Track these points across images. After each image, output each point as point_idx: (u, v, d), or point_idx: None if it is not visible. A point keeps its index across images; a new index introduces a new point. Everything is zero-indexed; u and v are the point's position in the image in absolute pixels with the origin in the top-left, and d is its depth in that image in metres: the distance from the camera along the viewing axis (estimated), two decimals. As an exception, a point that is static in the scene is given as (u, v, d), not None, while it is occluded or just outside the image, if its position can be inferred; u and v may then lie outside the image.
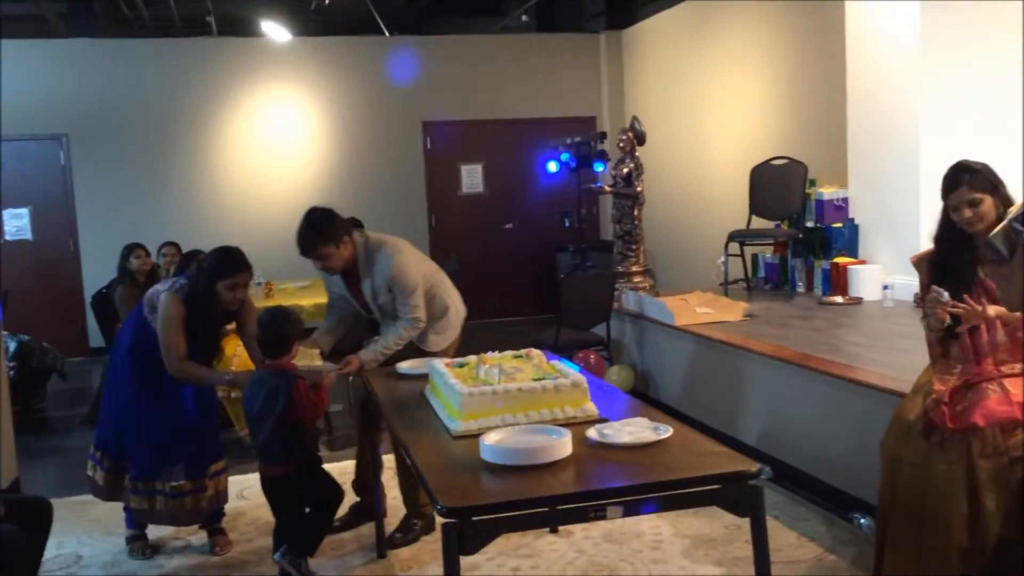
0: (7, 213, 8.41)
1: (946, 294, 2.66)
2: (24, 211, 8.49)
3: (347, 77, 9.12)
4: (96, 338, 7.32)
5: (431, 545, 3.61)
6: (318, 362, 3.42)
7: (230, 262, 3.47)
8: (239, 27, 9.35)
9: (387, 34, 9.53)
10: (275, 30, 9.05)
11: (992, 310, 2.65)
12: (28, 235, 8.53)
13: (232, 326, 3.76)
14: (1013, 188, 2.88)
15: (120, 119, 8.58)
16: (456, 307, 3.91)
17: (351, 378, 5.73)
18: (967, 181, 2.74)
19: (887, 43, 5.47)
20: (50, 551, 3.22)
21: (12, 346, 6.21)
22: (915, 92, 5.26)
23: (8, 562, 2.69)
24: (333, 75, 9.09)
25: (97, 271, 7.82)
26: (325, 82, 9.08)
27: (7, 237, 8.42)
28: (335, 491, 3.27)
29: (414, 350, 3.69)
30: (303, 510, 3.23)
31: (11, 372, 5.91)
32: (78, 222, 8.60)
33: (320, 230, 3.48)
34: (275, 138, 8.91)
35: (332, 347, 3.91)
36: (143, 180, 8.66)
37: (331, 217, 3.55)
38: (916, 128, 5.25)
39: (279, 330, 3.16)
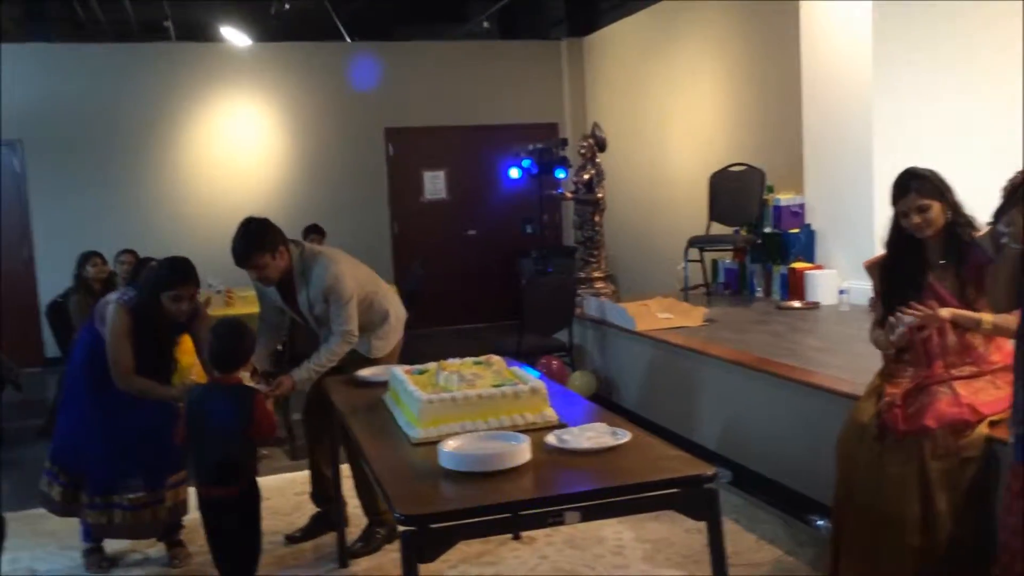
0: (-41, 221, 8.23)
1: (905, 319, 2.72)
2: (-24, 219, 8.32)
3: (308, 83, 9.08)
4: (52, 348, 7.18)
5: (393, 554, 3.59)
6: (246, 382, 3.35)
7: (173, 273, 3.41)
8: (198, 32, 9.25)
9: (348, 40, 9.49)
10: (235, 35, 8.97)
11: (945, 312, 2.72)
12: (-19, 243, 8.35)
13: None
14: (964, 191, 2.95)
15: (76, 125, 8.44)
16: (396, 311, 3.84)
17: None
18: (915, 188, 2.81)
19: (841, 50, 5.57)
20: (4, 567, 3.16)
21: (-36, 357, 6.06)
22: (868, 99, 5.36)
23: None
24: (294, 81, 9.04)
25: (52, 280, 7.67)
26: (286, 88, 9.02)
27: (-41, 245, 8.24)
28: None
29: (359, 358, 3.65)
30: (240, 537, 3.07)
31: (-37, 383, 5.78)
32: (33, 229, 8.45)
33: (255, 240, 3.39)
34: (235, 144, 8.83)
35: (273, 359, 3.84)
36: (100, 187, 8.53)
37: (266, 227, 3.45)
38: (869, 134, 5.35)
39: (235, 343, 3.07)
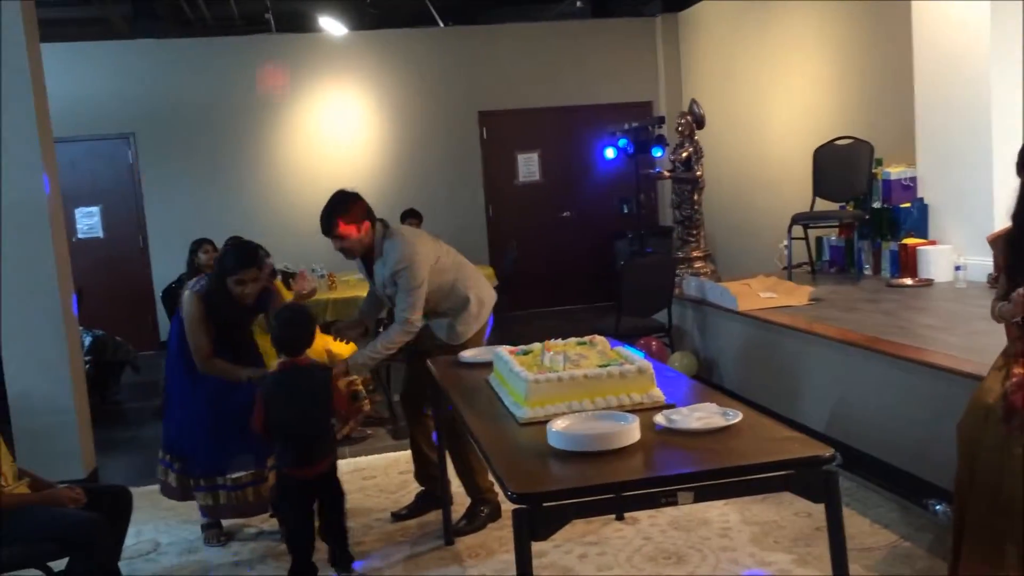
0: (79, 212, 8.67)
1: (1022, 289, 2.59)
2: (95, 209, 8.76)
3: (403, 69, 9.18)
4: (166, 332, 7.50)
5: (497, 532, 3.63)
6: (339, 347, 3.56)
7: (235, 258, 3.50)
8: (297, 23, 9.46)
9: (442, 25, 9.55)
10: (332, 25, 9.14)
11: None
12: (99, 232, 8.79)
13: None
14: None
15: (184, 117, 8.78)
16: (479, 296, 3.78)
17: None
18: None
19: (956, 15, 5.29)
20: (130, 538, 3.32)
21: (87, 341, 6.41)
22: (986, 67, 5.08)
23: (94, 548, 2.78)
24: (389, 68, 9.16)
25: (166, 266, 8.03)
26: (381, 75, 9.15)
27: (79, 235, 8.69)
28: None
29: (440, 343, 3.70)
30: (337, 510, 3.21)
31: (87, 366, 6.11)
32: (146, 219, 8.84)
33: (339, 210, 3.47)
34: (334, 132, 9.02)
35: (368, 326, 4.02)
36: (208, 176, 8.85)
37: (353, 199, 3.51)
38: (988, 103, 5.07)
39: (296, 330, 3.15)
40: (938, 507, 3.36)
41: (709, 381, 5.46)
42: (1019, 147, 2.77)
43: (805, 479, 2.08)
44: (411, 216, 7.25)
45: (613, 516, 3.59)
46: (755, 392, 5.05)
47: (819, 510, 2.14)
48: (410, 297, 3.47)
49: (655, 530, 3.52)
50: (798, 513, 3.53)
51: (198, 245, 5.79)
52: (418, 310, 3.51)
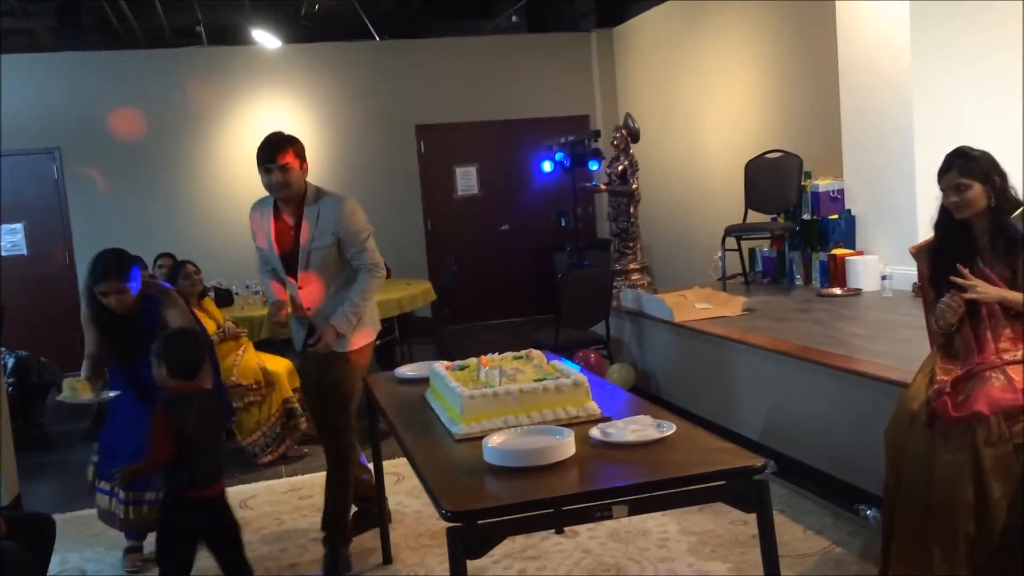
0: (2, 229, 8.38)
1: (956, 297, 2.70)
2: (19, 226, 8.47)
3: (339, 83, 9.11)
4: (94, 351, 7.28)
5: (438, 549, 3.59)
6: (86, 395, 3.35)
7: (92, 270, 3.38)
8: (229, 36, 9.33)
9: (377, 39, 9.51)
10: (265, 38, 9.04)
11: (993, 291, 2.67)
12: (23, 250, 8.50)
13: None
14: (1013, 171, 2.88)
15: (112, 131, 8.55)
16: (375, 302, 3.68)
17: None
18: (958, 166, 2.76)
19: (879, 30, 5.46)
20: (54, 567, 3.20)
21: (10, 362, 6.19)
22: (908, 81, 5.25)
23: (12, 579, 2.67)
24: (324, 81, 9.08)
25: (93, 284, 7.79)
26: (317, 88, 9.06)
27: (3, 253, 8.39)
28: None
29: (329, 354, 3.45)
30: (234, 529, 3.06)
31: (10, 388, 5.89)
32: (73, 235, 8.58)
33: (294, 140, 3.44)
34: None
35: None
36: (138, 191, 8.64)
37: (297, 139, 3.47)
38: (910, 117, 5.25)
39: (184, 352, 3.00)
40: (868, 512, 3.43)
41: (647, 392, 5.50)
42: (941, 160, 2.85)
43: (737, 489, 2.10)
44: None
45: (553, 530, 3.58)
46: (692, 402, 5.12)
47: (755, 518, 2.16)
48: (367, 243, 3.43)
49: (594, 543, 3.53)
50: (734, 522, 3.57)
51: (156, 259, 5.76)
52: (378, 254, 3.47)
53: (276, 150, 3.36)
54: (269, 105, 8.93)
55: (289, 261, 3.43)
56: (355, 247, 3.41)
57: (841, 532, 3.45)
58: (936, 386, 2.69)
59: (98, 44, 9.12)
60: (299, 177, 3.38)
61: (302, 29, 9.54)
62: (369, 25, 9.32)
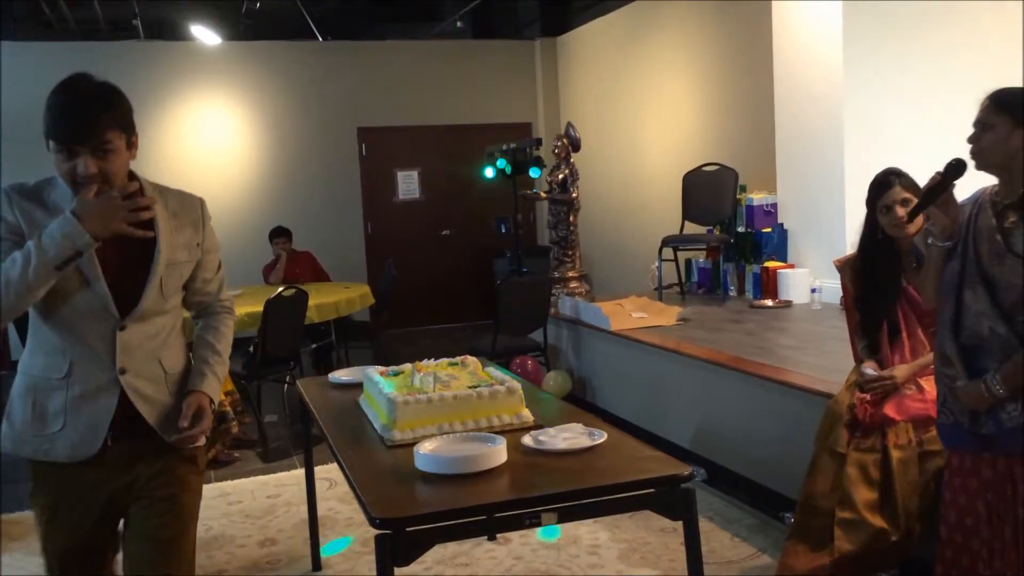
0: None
1: (868, 371, 2.84)
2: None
3: (280, 82, 9.00)
4: (18, 350, 7.06)
5: (368, 557, 3.57)
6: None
7: None
8: (167, 31, 9.14)
9: (320, 39, 9.43)
10: (204, 34, 8.88)
11: (900, 372, 2.80)
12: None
13: None
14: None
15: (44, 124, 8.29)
16: None
17: (285, 387, 5.69)
18: (899, 182, 2.82)
19: (812, 50, 5.61)
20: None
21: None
22: (839, 98, 5.41)
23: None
24: (265, 80, 8.96)
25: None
26: (257, 87, 8.94)
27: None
28: None
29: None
30: None
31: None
32: None
33: (113, 100, 2.03)
34: (205, 144, 8.73)
35: None
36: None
37: (124, 96, 2.08)
38: (840, 134, 5.40)
39: None
40: (791, 519, 3.51)
41: (583, 399, 5.56)
42: (871, 178, 2.92)
43: (664, 497, 2.14)
44: (280, 235, 7.09)
45: (484, 537, 3.59)
46: (627, 410, 5.18)
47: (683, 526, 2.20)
48: (221, 272, 2.30)
49: (526, 550, 3.54)
50: (664, 529, 3.62)
51: None
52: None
53: (89, 120, 1.96)
54: (207, 103, 8.77)
55: (122, 296, 2.02)
56: (211, 272, 2.24)
57: (766, 539, 3.53)
58: (858, 394, 2.81)
59: (30, 34, 8.84)
60: (123, 164, 2.03)
61: (243, 26, 9.38)
62: (312, 25, 9.23)
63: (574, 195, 6.73)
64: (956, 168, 2.20)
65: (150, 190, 2.10)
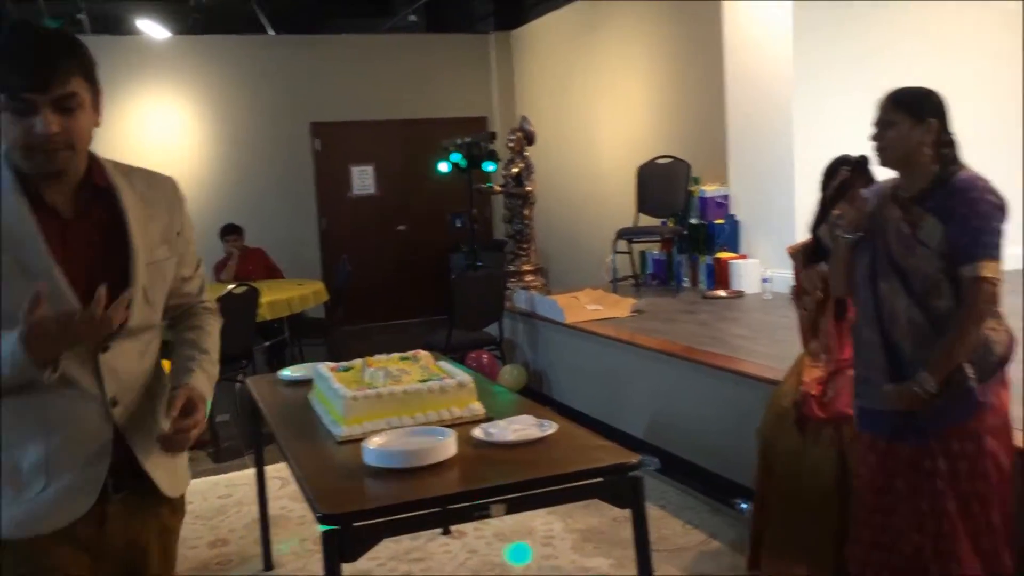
0: None
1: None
2: None
3: (231, 77, 8.87)
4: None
5: (320, 555, 3.53)
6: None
7: None
8: (113, 25, 8.95)
9: (272, 33, 9.31)
10: (152, 28, 8.71)
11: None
12: None
13: None
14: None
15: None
16: None
17: (238, 385, 5.62)
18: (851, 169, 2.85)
19: (762, 43, 5.68)
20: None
21: None
22: (788, 91, 5.48)
23: None
24: (216, 76, 8.82)
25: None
26: (207, 83, 8.80)
27: None
28: None
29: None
30: None
31: None
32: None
33: (76, 48, 1.62)
34: (153, 141, 8.57)
35: None
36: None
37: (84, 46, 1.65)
38: (790, 126, 5.47)
39: None
40: (743, 506, 3.56)
41: (539, 392, 5.57)
42: (819, 170, 2.96)
43: (613, 486, 2.15)
44: (231, 233, 7.00)
45: (439, 531, 3.58)
46: (583, 402, 5.20)
47: (631, 514, 2.21)
48: (202, 268, 1.90)
49: (480, 542, 3.54)
50: (617, 519, 3.64)
51: None
52: None
53: (51, 64, 1.54)
54: (156, 99, 8.61)
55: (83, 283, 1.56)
56: (190, 268, 1.83)
57: (718, 526, 3.57)
58: (802, 388, 2.82)
59: (-31, 28, 8.60)
60: (88, 124, 1.63)
61: (192, 20, 9.23)
62: (263, 19, 9.11)
63: (529, 189, 6.73)
64: (861, 164, 2.30)
65: (112, 169, 1.70)
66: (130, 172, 1.75)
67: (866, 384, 2.34)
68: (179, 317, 1.86)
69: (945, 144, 2.25)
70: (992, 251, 2.14)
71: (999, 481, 2.22)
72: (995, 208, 2.16)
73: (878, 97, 2.40)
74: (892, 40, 5.49)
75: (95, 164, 1.68)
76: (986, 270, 2.12)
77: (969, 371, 2.17)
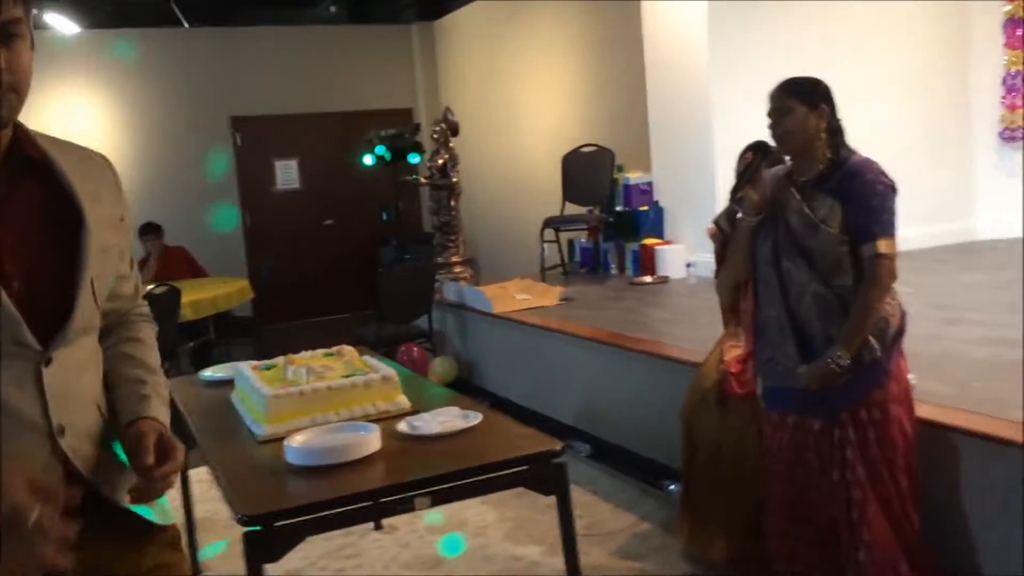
0: None
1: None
2: None
3: (146, 72, 8.63)
4: None
5: (251, 555, 3.48)
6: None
7: None
8: (19, 19, 8.60)
9: (186, 25, 9.07)
10: (61, 22, 8.40)
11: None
12: None
13: None
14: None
15: None
16: None
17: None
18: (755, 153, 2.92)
19: (680, 29, 5.76)
20: None
21: None
22: (706, 77, 5.57)
23: None
24: (130, 70, 8.57)
25: None
26: (121, 78, 8.54)
27: None
28: None
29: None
30: None
31: None
32: None
33: None
34: (67, 138, 8.28)
35: None
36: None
37: None
38: (708, 112, 5.57)
39: None
40: (672, 487, 3.62)
41: (470, 383, 5.57)
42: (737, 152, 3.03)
43: (538, 474, 2.16)
44: (149, 232, 6.82)
45: (371, 527, 3.55)
46: (514, 391, 5.21)
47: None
48: (136, 269, 1.59)
49: (413, 536, 3.53)
50: (550, 505, 3.57)
51: None
52: None
53: None
54: (67, 95, 8.32)
55: (38, 312, 1.27)
56: (127, 265, 1.51)
57: (648, 507, 3.62)
58: (723, 366, 2.89)
59: None
60: (30, 68, 1.35)
61: (103, 13, 8.93)
62: (176, 10, 8.86)
63: (455, 180, 6.70)
64: (762, 149, 2.39)
65: (43, 142, 1.41)
66: (62, 145, 1.43)
67: (771, 363, 2.41)
68: (113, 327, 1.49)
69: (835, 130, 2.35)
70: (889, 229, 2.26)
71: (905, 447, 2.32)
72: (888, 189, 2.28)
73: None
74: (803, 30, 5.62)
75: (21, 131, 1.38)
76: (885, 247, 2.24)
77: (874, 343, 2.26)
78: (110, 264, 1.40)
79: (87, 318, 1.33)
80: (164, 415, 1.44)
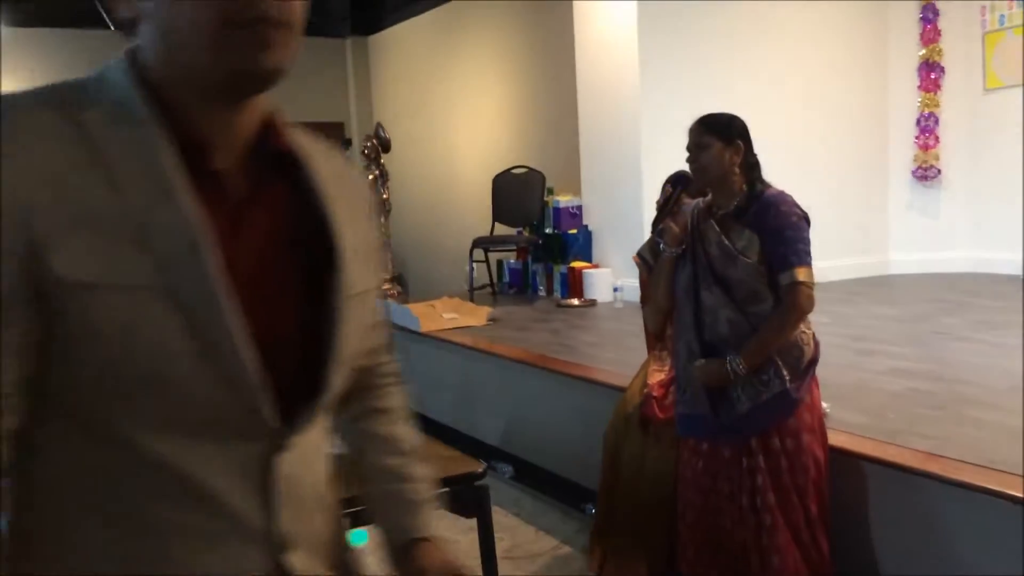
0: None
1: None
2: None
3: (72, 73, 8.35)
4: None
5: None
6: None
7: None
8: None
9: (113, 28, 8.82)
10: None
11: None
12: None
13: None
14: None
15: None
16: None
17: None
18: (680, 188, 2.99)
19: (611, 51, 5.85)
20: None
21: None
22: (637, 102, 5.66)
23: None
24: (56, 71, 8.29)
25: None
26: (47, 79, 8.24)
27: None
28: None
29: None
30: None
31: None
32: None
33: None
34: None
35: None
36: None
37: None
38: (638, 136, 5.66)
39: None
40: (593, 511, 3.63)
41: (395, 402, 5.50)
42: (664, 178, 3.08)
43: (458, 496, 2.15)
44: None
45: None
46: (439, 411, 5.17)
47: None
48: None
49: (332, 558, 3.46)
50: (473, 527, 3.64)
51: None
52: None
53: None
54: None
55: (281, 365, 0.86)
56: (378, 311, 1.11)
57: (569, 531, 3.63)
58: (645, 390, 2.92)
59: None
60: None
61: (28, 13, 8.64)
62: (104, 13, 8.62)
63: (385, 196, 6.67)
64: (681, 181, 2.47)
65: (292, 130, 1.01)
66: (314, 143, 1.04)
67: (681, 389, 2.47)
68: (359, 392, 1.13)
69: (751, 165, 2.44)
70: (805, 258, 2.34)
71: (816, 475, 2.39)
72: (802, 219, 2.38)
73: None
74: (731, 66, 5.76)
75: (274, 117, 0.98)
76: (803, 275, 2.33)
77: (785, 373, 2.33)
78: (367, 313, 1.01)
79: (338, 388, 0.96)
80: (440, 531, 1.15)
